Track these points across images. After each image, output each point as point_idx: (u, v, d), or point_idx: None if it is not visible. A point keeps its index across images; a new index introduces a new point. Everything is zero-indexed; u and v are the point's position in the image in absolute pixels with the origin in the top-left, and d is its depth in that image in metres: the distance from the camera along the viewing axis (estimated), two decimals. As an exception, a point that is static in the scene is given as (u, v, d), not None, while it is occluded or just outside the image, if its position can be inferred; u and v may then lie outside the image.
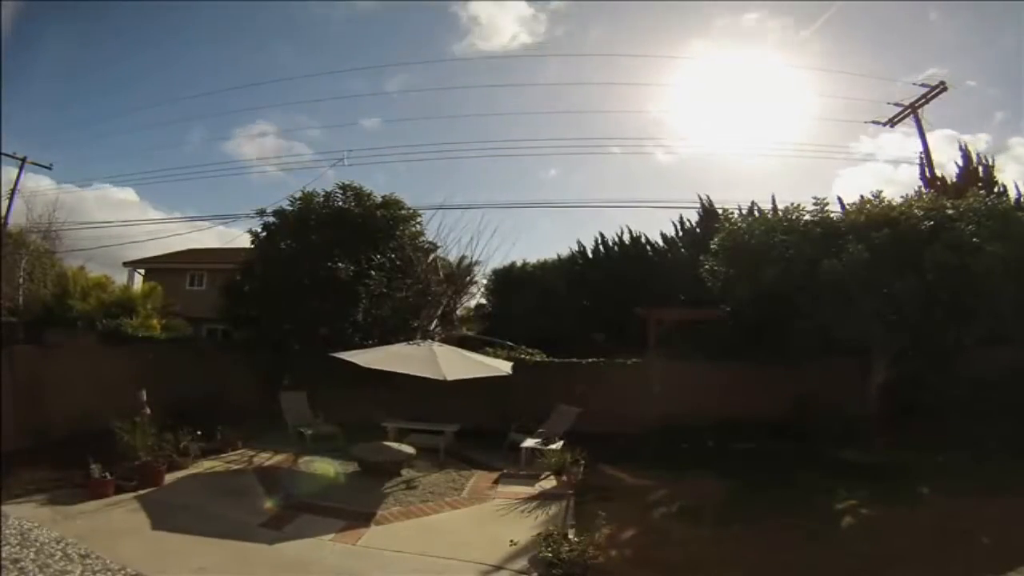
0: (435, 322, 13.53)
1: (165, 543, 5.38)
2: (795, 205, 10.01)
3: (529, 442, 8.87)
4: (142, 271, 20.45)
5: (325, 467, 8.31)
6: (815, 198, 9.95)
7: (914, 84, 14.15)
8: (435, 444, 9.17)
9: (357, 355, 8.55)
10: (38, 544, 4.99)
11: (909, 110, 14.36)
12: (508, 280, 18.61)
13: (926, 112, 14.19)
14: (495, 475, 8.25)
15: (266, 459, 8.82)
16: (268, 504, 6.71)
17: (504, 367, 9.22)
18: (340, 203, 12.80)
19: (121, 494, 6.63)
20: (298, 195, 12.82)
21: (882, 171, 34.54)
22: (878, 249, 8.44)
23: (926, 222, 8.68)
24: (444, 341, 10.64)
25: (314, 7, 34.70)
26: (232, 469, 8.25)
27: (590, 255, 18.31)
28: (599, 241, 18.28)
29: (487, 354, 10.88)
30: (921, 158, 14.62)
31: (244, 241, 13.58)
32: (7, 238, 16.42)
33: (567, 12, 39.61)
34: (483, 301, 18.69)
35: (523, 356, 11.63)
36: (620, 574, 5.08)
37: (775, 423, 9.74)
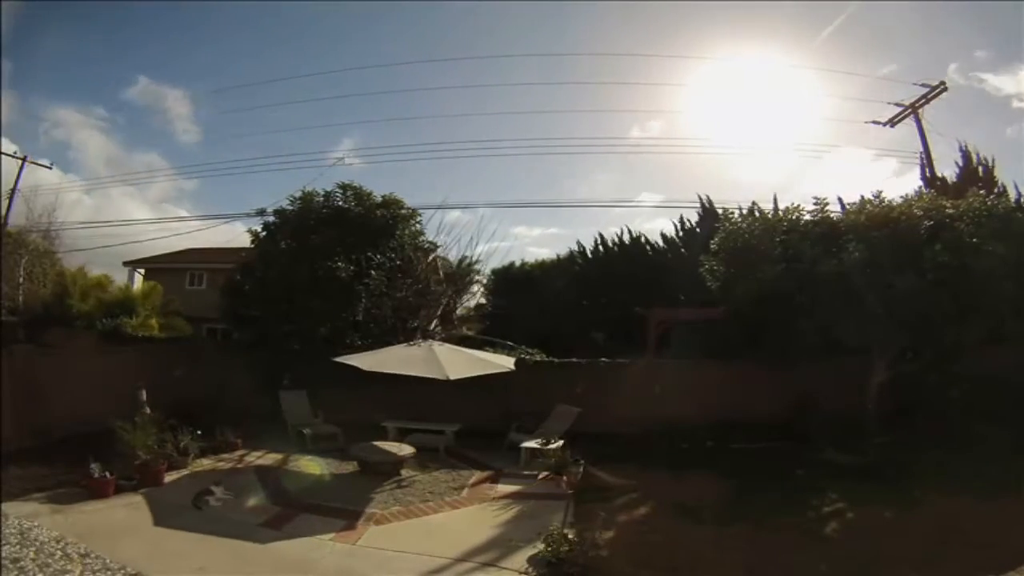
0: (435, 322, 13.54)
1: (165, 542, 5.39)
2: (795, 205, 10.00)
3: (529, 442, 8.87)
4: (142, 271, 20.38)
5: (323, 467, 8.31)
6: (815, 198, 9.93)
7: (914, 84, 14.14)
8: (435, 444, 9.18)
9: (359, 358, 8.53)
10: (38, 543, 5.00)
11: (909, 110, 14.35)
12: (508, 280, 18.65)
13: (926, 112, 14.21)
14: (495, 475, 8.25)
15: (266, 459, 8.82)
16: (268, 504, 6.72)
17: (507, 363, 9.20)
18: (340, 203, 12.79)
19: (121, 493, 6.65)
20: (298, 195, 12.83)
21: (883, 171, 34.51)
22: (878, 249, 8.43)
23: (926, 222, 8.67)
24: (444, 341, 10.64)
25: (313, 7, 34.70)
26: (232, 468, 8.25)
27: (590, 255, 18.34)
28: (599, 241, 18.32)
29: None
30: (921, 158, 14.63)
31: (244, 241, 13.61)
32: (7, 238, 16.40)
33: (571, 11, 39.60)
34: (483, 301, 18.69)
35: (523, 356, 11.61)
36: (619, 574, 5.07)
37: (775, 423, 9.73)
